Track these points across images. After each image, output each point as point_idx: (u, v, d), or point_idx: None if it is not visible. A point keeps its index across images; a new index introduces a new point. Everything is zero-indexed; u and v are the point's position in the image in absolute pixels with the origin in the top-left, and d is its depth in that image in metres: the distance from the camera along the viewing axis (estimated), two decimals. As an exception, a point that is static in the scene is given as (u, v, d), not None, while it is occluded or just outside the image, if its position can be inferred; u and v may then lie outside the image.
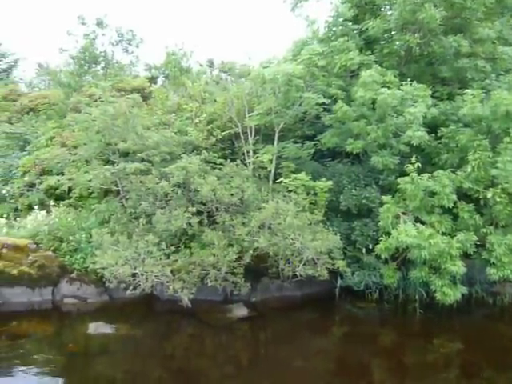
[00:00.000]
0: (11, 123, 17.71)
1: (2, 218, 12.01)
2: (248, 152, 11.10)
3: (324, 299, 10.42)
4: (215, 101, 12.09)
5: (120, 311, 9.67)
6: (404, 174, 9.67)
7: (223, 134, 11.20)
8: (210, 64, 17.14)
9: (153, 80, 17.61)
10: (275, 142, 10.85)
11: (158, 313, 9.87)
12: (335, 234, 9.57)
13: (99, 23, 19.34)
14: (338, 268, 9.47)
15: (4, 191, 13.17)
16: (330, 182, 10.13)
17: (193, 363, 7.77)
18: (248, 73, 11.70)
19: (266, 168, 10.70)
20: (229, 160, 10.54)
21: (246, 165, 10.79)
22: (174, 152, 10.33)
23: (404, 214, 9.50)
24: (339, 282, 10.29)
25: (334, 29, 11.82)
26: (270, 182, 10.67)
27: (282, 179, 10.31)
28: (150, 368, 7.42)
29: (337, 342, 9.39)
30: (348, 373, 7.64)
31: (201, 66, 17.03)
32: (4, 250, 9.73)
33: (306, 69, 10.33)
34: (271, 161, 10.65)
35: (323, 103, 10.66)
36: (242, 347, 8.74)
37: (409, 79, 10.25)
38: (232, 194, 9.51)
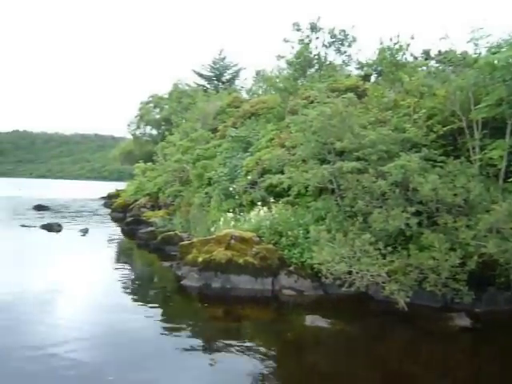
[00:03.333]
0: (235, 127, 19.65)
1: (229, 212, 13.42)
2: (473, 148, 10.13)
3: None
4: (434, 94, 11.35)
5: (334, 307, 9.80)
6: None
7: (444, 129, 10.43)
8: (427, 55, 16.20)
9: (366, 78, 17.50)
10: (507, 136, 9.66)
11: (372, 312, 9.70)
12: None
13: (313, 27, 20.07)
14: None
15: (231, 188, 14.71)
16: None
17: (406, 369, 7.38)
18: (473, 61, 10.66)
19: (496, 165, 9.61)
20: (451, 157, 9.78)
21: (471, 162, 9.87)
22: (391, 150, 10.04)
23: None
24: None
25: None
26: (501, 181, 9.55)
27: (514, 178, 9.13)
28: (361, 366, 7.30)
29: None
30: None
31: (415, 58, 16.21)
32: (232, 241, 10.77)
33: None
34: (502, 157, 9.51)
35: None
36: (463, 360, 7.97)
37: None
38: (455, 194, 8.79)
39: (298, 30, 20.25)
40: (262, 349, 7.42)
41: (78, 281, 11.56)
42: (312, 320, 8.76)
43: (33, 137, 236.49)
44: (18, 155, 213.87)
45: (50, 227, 20.11)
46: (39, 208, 30.63)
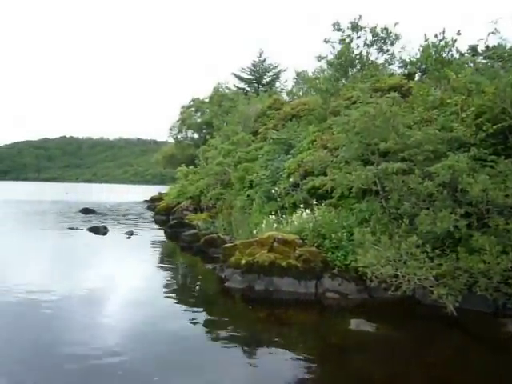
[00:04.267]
0: (277, 130, 19.66)
1: (271, 214, 13.41)
2: (526, 147, 9.70)
3: None
4: (483, 92, 10.95)
5: (380, 311, 9.60)
6: None
7: (494, 127, 10.03)
8: (474, 51, 15.67)
9: (410, 76, 17.11)
10: (562, 134, 9.20)
11: (419, 317, 9.43)
12: None
13: (354, 27, 19.81)
14: None
15: (272, 191, 14.71)
16: None
17: (455, 376, 7.12)
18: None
19: (550, 164, 9.14)
20: (502, 156, 9.39)
21: (523, 161, 9.43)
22: (437, 150, 9.73)
23: None
24: None
25: None
26: (556, 181, 9.07)
27: None
28: (408, 373, 7.10)
29: None
30: None
31: (462, 55, 15.72)
32: (275, 244, 10.76)
33: None
34: (557, 156, 9.07)
35: None
36: (518, 369, 7.65)
37: None
38: (507, 195, 8.42)
39: (339, 29, 20.02)
40: (306, 352, 7.35)
41: (123, 282, 11.83)
42: (357, 324, 8.61)
43: (79, 142, 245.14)
44: (66, 160, 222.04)
45: (97, 230, 20.70)
46: (86, 211, 31.61)
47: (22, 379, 6.07)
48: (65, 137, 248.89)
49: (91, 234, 19.92)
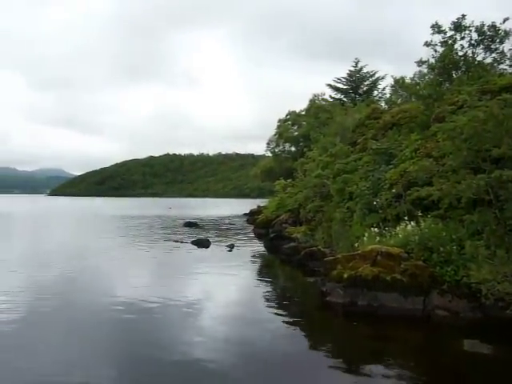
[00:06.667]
0: (376, 139, 19.11)
1: (373, 227, 12.99)
2: None
3: None
4: None
5: (496, 331, 8.79)
6: None
7: None
8: None
9: (523, 75, 15.76)
10: None
11: (544, 340, 8.55)
12: None
13: (457, 27, 18.75)
14: None
15: (374, 202, 14.25)
16: None
17: None
18: None
19: None
20: None
21: None
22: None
23: None
24: None
25: None
26: None
27: None
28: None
29: None
30: None
31: None
32: (379, 257, 10.38)
33: None
34: None
35: None
36: None
37: None
38: None
39: (440, 31, 19.05)
40: (413, 374, 6.95)
41: (224, 293, 12.15)
42: (471, 345, 7.97)
43: (181, 159, 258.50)
44: (169, 176, 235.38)
45: (200, 243, 21.54)
46: (189, 225, 33.09)
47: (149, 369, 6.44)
48: (168, 154, 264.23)
49: (195, 247, 20.75)
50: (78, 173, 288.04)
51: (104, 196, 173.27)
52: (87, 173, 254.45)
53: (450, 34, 18.84)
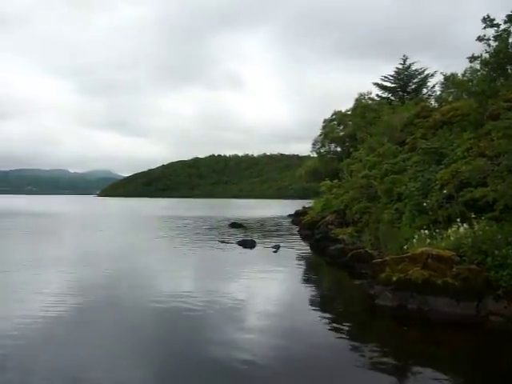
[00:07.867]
0: (426, 139, 18.59)
1: (423, 229, 12.61)
2: None
3: None
4: None
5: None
6: None
7: None
8: None
9: None
10: None
11: None
12: None
13: (510, 19, 17.91)
14: None
15: (424, 204, 13.84)
16: None
17: None
18: None
19: None
20: None
21: None
22: None
23: None
24: None
25: None
26: None
27: None
28: None
29: None
30: None
31: None
32: (429, 260, 10.05)
33: None
34: None
35: None
36: None
37: None
38: None
39: (493, 25, 18.25)
40: (466, 381, 6.69)
41: (269, 295, 12.13)
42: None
43: (226, 160, 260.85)
44: (214, 177, 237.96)
45: (245, 243, 21.64)
46: (234, 225, 33.33)
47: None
48: (213, 155, 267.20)
49: (240, 248, 20.86)
50: (126, 174, 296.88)
51: (151, 197, 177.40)
52: (135, 174, 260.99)
53: (503, 27, 18.02)
